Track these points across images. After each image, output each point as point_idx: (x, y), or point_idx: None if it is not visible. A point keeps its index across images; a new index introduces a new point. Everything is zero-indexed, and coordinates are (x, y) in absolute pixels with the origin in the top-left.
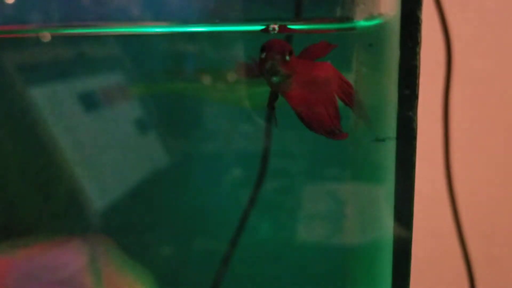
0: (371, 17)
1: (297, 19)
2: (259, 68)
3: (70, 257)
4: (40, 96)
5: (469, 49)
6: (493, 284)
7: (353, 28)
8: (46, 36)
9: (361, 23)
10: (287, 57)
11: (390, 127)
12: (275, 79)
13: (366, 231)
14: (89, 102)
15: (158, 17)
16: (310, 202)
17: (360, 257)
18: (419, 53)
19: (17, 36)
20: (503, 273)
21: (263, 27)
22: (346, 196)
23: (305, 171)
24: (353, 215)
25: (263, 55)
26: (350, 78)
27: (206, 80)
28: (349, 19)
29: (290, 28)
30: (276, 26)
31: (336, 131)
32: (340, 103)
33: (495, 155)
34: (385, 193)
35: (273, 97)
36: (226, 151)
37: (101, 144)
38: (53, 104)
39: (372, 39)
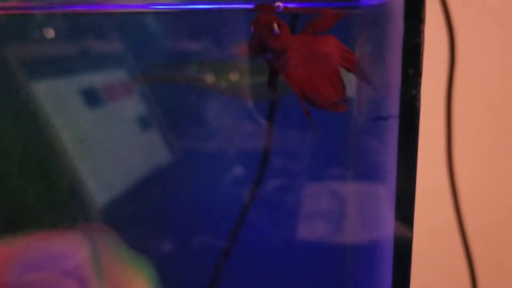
0: None
1: None
2: (251, 46)
3: (72, 247)
4: (41, 87)
5: (473, 48)
6: (495, 283)
7: (357, 7)
8: (50, 32)
9: (365, 1)
10: (276, 31)
11: (394, 106)
12: (267, 55)
13: (367, 223)
14: (91, 94)
15: None
16: (311, 194)
17: (360, 253)
18: (423, 31)
19: (17, 13)
20: (505, 272)
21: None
22: (348, 185)
23: (307, 160)
24: (356, 204)
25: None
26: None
27: (209, 72)
28: None
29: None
30: (281, 4)
31: (340, 102)
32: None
33: (498, 154)
34: (386, 180)
35: (272, 75)
36: (227, 148)
37: (102, 137)
38: (55, 96)
39: (376, 17)
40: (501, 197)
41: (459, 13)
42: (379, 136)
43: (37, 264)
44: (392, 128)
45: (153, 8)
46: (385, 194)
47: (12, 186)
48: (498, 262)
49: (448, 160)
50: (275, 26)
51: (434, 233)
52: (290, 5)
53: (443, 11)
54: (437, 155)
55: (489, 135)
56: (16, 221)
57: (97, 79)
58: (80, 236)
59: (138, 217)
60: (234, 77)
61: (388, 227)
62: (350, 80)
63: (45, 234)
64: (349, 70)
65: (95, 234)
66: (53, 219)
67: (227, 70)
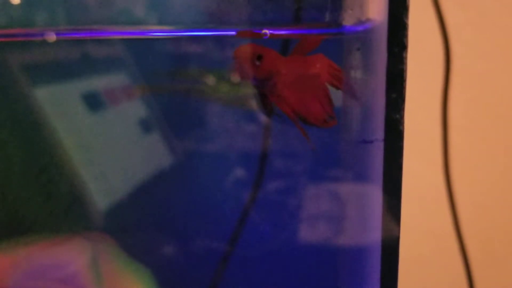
0: (359, 22)
1: (296, 23)
2: (236, 73)
3: (72, 255)
4: (43, 96)
5: (467, 50)
6: (492, 284)
7: (341, 33)
8: (52, 37)
9: (349, 28)
10: (257, 62)
11: (378, 129)
12: (253, 81)
13: (355, 232)
14: (92, 102)
15: (156, 21)
16: (301, 203)
17: (349, 257)
18: (405, 57)
19: (21, 40)
20: (502, 273)
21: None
22: (335, 198)
23: (295, 173)
24: (343, 216)
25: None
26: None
27: (208, 81)
28: (337, 24)
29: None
30: (267, 31)
31: (328, 119)
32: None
33: (494, 156)
34: (373, 195)
35: (263, 100)
36: (227, 151)
37: (103, 144)
38: (56, 104)
39: (360, 43)
40: (498, 199)
41: (453, 15)
42: (365, 155)
43: (37, 273)
44: (378, 149)
45: (146, 35)
46: (372, 198)
47: (13, 193)
48: (495, 264)
49: (444, 162)
50: (255, 59)
51: (431, 235)
52: (277, 32)
53: (436, 14)
54: (433, 157)
55: (486, 137)
56: (17, 229)
57: (98, 86)
58: (79, 244)
59: (138, 221)
60: (232, 86)
61: (376, 232)
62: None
63: (45, 242)
64: (337, 88)
65: (95, 242)
66: (54, 227)
67: (225, 79)
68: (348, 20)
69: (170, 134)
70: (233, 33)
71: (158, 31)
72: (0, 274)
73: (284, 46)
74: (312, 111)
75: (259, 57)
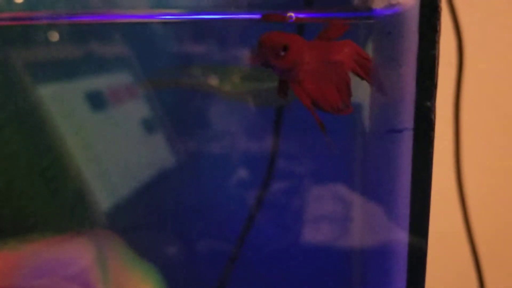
0: (389, 5)
1: (307, 7)
2: (259, 62)
3: (78, 253)
4: (47, 92)
5: (480, 50)
6: (502, 284)
7: (371, 17)
8: (54, 35)
9: (380, 11)
10: (282, 53)
11: (408, 118)
12: (275, 70)
13: (381, 231)
14: (96, 99)
15: (171, 4)
16: (323, 200)
17: (374, 259)
18: (438, 42)
19: (24, 24)
20: None
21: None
22: (360, 192)
23: (317, 167)
24: (368, 213)
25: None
26: None
27: (216, 76)
28: (367, 7)
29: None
30: (293, 14)
31: (342, 107)
32: None
33: (506, 157)
34: (401, 189)
35: (281, 86)
36: (233, 151)
37: (107, 142)
38: (60, 101)
39: (391, 27)
40: (509, 201)
41: (467, 16)
42: (393, 146)
43: (43, 270)
44: (407, 138)
45: (161, 18)
46: (399, 203)
47: (18, 191)
48: (506, 266)
49: (456, 163)
50: (280, 49)
51: (442, 237)
52: (302, 15)
53: (450, 15)
54: (445, 158)
55: (497, 139)
56: (23, 226)
57: (102, 83)
58: (86, 241)
59: (144, 221)
60: (239, 82)
61: (402, 235)
62: (364, 88)
63: (51, 239)
64: (362, 78)
65: (101, 239)
66: (59, 225)
67: (233, 74)
68: (378, 3)
69: (179, 133)
70: (258, 16)
71: (177, 15)
72: (7, 272)
73: (300, 29)
74: (328, 99)
75: (285, 48)
